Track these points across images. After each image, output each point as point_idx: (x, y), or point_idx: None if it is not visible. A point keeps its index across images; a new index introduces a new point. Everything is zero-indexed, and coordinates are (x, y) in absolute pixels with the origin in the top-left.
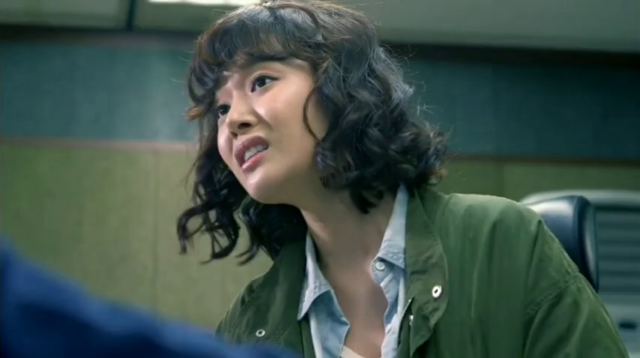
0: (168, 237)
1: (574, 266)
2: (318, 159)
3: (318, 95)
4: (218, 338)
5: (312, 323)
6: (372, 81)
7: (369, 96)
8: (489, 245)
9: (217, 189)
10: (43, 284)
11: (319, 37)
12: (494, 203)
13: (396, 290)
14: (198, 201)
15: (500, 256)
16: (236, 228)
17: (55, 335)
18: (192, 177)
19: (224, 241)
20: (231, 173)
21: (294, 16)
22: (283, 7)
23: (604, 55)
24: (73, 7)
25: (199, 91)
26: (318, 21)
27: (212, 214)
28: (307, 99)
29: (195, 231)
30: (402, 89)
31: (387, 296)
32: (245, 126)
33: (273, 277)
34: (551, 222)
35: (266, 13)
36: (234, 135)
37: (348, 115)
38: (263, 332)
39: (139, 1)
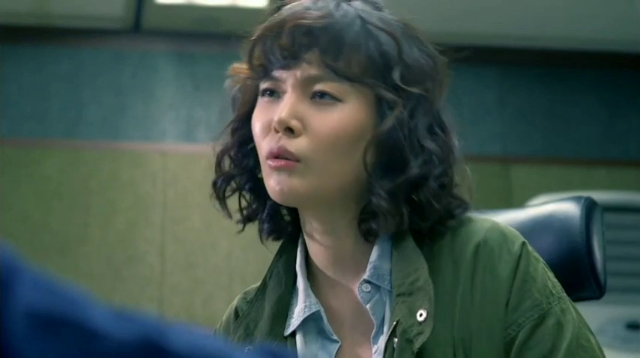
0: (176, 238)
1: (559, 287)
2: (374, 199)
3: (384, 138)
4: (223, 339)
5: (299, 340)
6: (438, 130)
7: (435, 147)
8: (473, 265)
9: (249, 153)
10: (50, 291)
11: (397, 75)
12: (479, 224)
13: (382, 312)
14: (228, 163)
15: (482, 276)
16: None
17: (62, 342)
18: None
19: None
20: None
21: (382, 37)
22: (375, 18)
23: (611, 55)
24: (80, 9)
25: (257, 61)
26: (403, 55)
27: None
28: (371, 140)
29: (232, 194)
30: (456, 136)
31: (373, 318)
32: (289, 129)
33: (262, 293)
34: (559, 222)
35: (358, 24)
36: (275, 130)
37: (414, 168)
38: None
39: (146, 2)
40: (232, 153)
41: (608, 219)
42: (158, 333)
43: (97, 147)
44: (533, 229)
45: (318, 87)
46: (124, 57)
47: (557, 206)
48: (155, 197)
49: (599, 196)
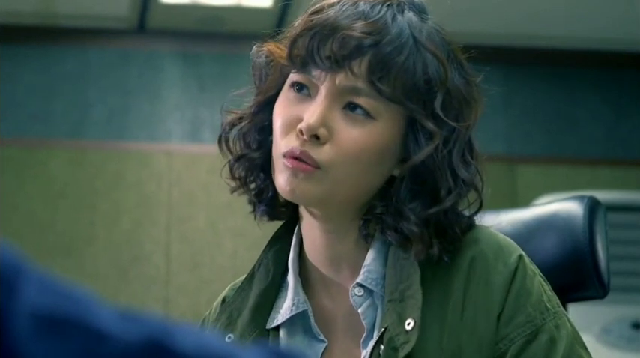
0: (181, 238)
1: (555, 301)
2: (405, 224)
3: (420, 166)
4: (201, 326)
5: (282, 334)
6: (469, 157)
7: (467, 176)
8: (467, 276)
9: (265, 138)
10: (55, 292)
11: (438, 103)
12: (477, 235)
13: (373, 317)
14: (241, 144)
15: (476, 287)
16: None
17: (68, 343)
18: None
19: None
20: None
21: (430, 60)
22: (425, 36)
23: (616, 55)
24: (85, 9)
25: (298, 52)
26: (447, 82)
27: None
28: (406, 167)
29: (247, 175)
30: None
31: (365, 322)
32: (315, 136)
33: (248, 283)
34: (562, 222)
35: (410, 45)
36: (301, 131)
37: (449, 200)
38: (232, 337)
39: (151, 2)
40: (248, 137)
41: (613, 218)
42: (164, 334)
43: (103, 147)
44: (536, 228)
45: (355, 99)
46: (130, 57)
47: (561, 205)
48: (160, 197)
49: (604, 196)
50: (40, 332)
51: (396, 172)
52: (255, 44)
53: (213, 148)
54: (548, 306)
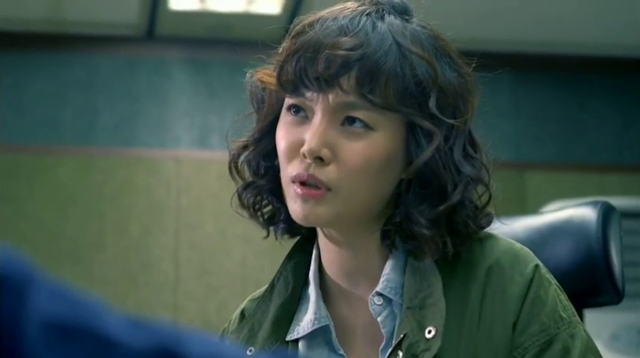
0: (190, 244)
1: (570, 310)
2: (415, 227)
3: (423, 168)
4: (238, 346)
5: (302, 347)
6: (471, 150)
7: (471, 170)
8: (483, 286)
9: (271, 164)
10: (65, 300)
11: (432, 103)
12: (493, 244)
13: (392, 325)
14: (249, 172)
15: (492, 297)
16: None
17: (79, 351)
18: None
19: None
20: None
21: (417, 63)
22: (409, 40)
23: (624, 61)
24: (94, 16)
25: (288, 76)
26: (438, 80)
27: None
28: (410, 171)
29: (256, 200)
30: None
31: (384, 331)
32: (319, 158)
33: (269, 295)
34: (576, 227)
35: (394, 52)
36: (304, 155)
37: (455, 195)
38: (253, 350)
39: (160, 9)
40: (254, 164)
41: (622, 224)
42: (174, 341)
43: (112, 153)
44: (550, 234)
45: (351, 113)
46: (138, 64)
47: (574, 211)
48: (169, 203)
49: (614, 202)
50: (51, 340)
51: (403, 177)
52: (263, 51)
53: (221, 155)
54: (563, 316)
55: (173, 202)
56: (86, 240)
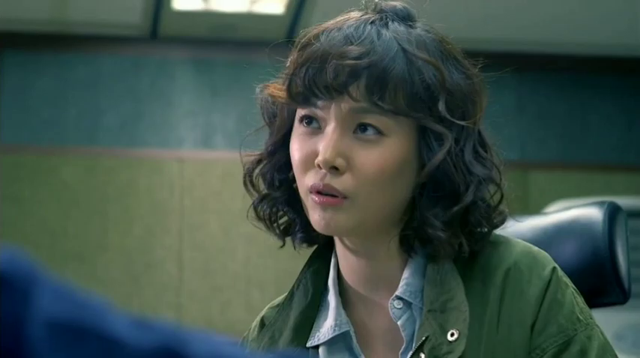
0: (193, 244)
1: (587, 313)
2: (429, 230)
3: (435, 172)
4: (242, 346)
5: (322, 353)
6: (482, 150)
7: (482, 170)
8: (502, 289)
9: (286, 176)
10: (69, 300)
11: (442, 106)
12: (511, 247)
13: (412, 329)
14: (264, 185)
15: (511, 299)
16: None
17: (83, 351)
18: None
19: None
20: None
21: (424, 68)
22: (415, 45)
23: (629, 61)
24: (98, 16)
25: (297, 89)
26: (446, 83)
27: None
28: (423, 175)
29: (273, 211)
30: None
31: (404, 334)
32: (334, 168)
33: (289, 302)
34: (582, 227)
35: (401, 58)
36: (319, 166)
37: (468, 196)
38: None
39: (164, 9)
40: (269, 177)
41: (628, 224)
42: (178, 342)
43: (115, 154)
44: (556, 234)
45: (363, 120)
46: (142, 64)
47: (580, 211)
48: (173, 204)
49: (619, 202)
50: (55, 341)
51: (417, 181)
52: (267, 51)
53: (225, 155)
54: (581, 318)
55: (176, 202)
56: (90, 240)
